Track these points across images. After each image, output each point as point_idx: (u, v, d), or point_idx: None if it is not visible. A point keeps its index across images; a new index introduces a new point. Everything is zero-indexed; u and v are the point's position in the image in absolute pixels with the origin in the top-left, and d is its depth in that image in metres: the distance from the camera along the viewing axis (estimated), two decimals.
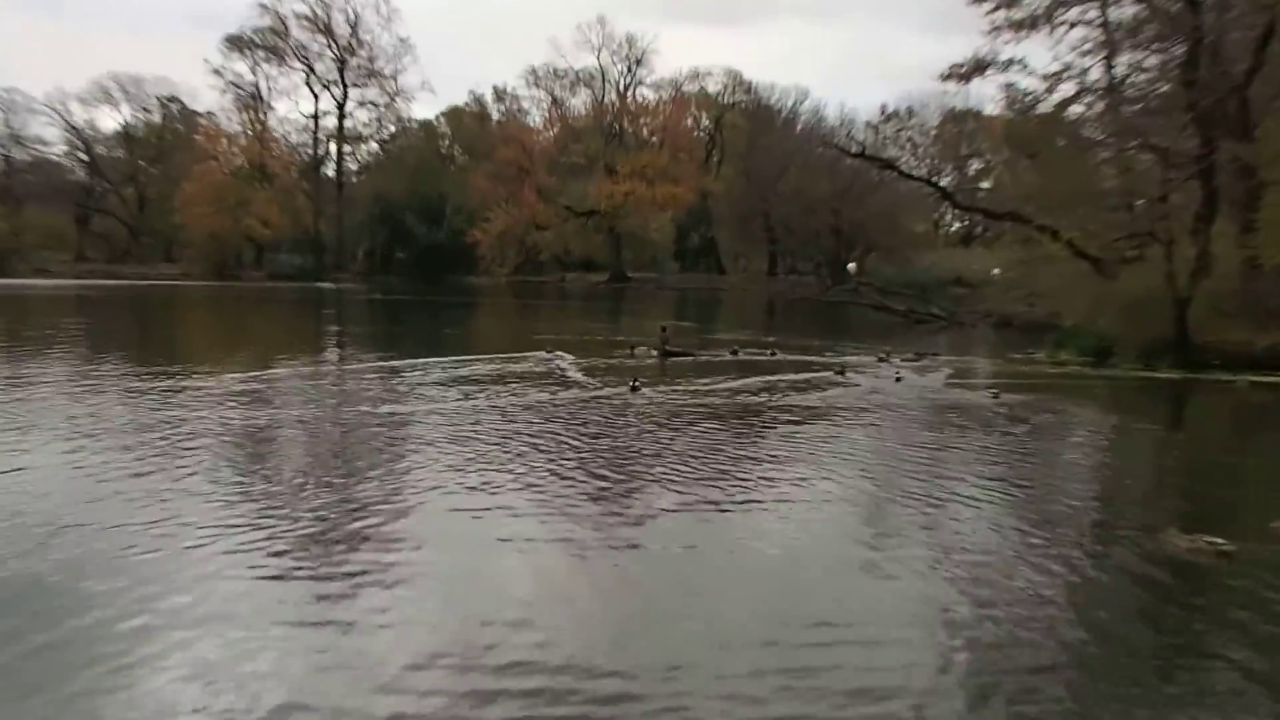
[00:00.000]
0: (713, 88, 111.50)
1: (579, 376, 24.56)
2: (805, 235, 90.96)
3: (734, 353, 31.08)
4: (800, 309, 62.08)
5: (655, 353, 30.21)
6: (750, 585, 10.64)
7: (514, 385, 22.81)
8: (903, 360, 29.88)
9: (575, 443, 16.50)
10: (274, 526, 11.93)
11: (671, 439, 16.96)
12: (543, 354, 29.21)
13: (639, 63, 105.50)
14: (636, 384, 22.70)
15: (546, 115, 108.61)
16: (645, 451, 15.99)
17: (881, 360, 29.74)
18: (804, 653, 9.34)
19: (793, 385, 23.88)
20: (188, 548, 11.24)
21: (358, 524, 12.08)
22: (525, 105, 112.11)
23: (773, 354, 30.94)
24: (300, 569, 10.79)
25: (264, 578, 10.57)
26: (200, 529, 11.77)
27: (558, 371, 25.57)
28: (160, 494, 12.97)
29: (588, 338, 35.85)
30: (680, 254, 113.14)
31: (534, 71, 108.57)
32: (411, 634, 9.54)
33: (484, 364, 26.72)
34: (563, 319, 49.04)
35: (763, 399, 21.66)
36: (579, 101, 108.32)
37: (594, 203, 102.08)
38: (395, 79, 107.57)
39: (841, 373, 26.16)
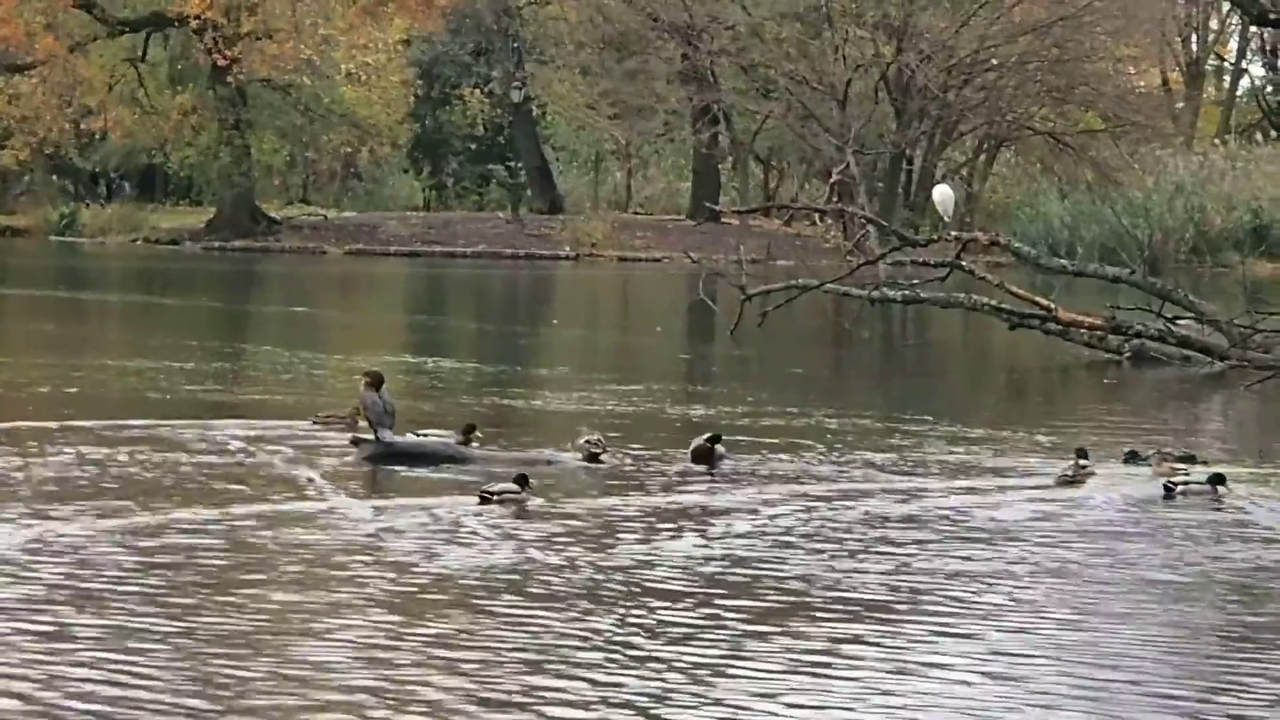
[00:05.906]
0: None
1: None
2: (796, 103, 40.29)
3: (547, 462, 11.70)
4: (784, 324, 21.74)
5: (353, 437, 12.14)
6: None
7: None
8: (1175, 466, 12.22)
9: None
10: None
11: None
12: None
13: None
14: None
15: None
16: None
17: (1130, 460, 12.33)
18: None
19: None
20: None
21: None
22: None
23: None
24: None
25: None
26: None
27: None
28: None
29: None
30: (428, 156, 55.83)
31: None
32: None
33: None
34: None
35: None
36: None
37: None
38: None
39: (1074, 477, 11.34)
